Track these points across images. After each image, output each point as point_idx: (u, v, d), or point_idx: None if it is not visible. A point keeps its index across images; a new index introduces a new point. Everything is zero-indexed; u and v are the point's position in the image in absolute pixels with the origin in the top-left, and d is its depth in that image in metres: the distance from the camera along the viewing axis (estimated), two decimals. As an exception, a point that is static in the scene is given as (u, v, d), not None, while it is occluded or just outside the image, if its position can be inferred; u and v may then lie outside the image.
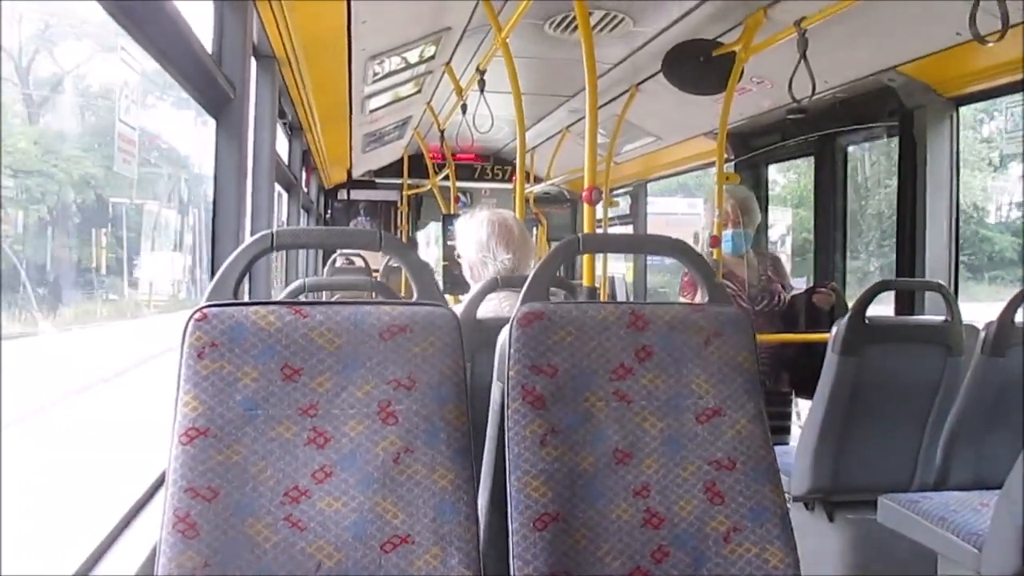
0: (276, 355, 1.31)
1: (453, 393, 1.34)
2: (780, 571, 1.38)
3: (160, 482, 1.57)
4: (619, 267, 8.34)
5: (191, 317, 1.31)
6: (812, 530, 2.90)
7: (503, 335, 1.44)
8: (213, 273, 1.69)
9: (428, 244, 10.06)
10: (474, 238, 2.53)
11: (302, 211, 6.32)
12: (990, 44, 2.45)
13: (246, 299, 2.61)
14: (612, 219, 6.77)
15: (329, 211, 9.01)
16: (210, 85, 2.26)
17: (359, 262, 5.91)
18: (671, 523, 1.38)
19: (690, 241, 3.71)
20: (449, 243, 7.01)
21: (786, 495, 2.89)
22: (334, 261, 5.88)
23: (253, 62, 3.14)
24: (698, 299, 3.25)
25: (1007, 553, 2.05)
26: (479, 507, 1.36)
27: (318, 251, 7.40)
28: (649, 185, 7.44)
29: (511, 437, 1.37)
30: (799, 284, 4.93)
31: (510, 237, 2.50)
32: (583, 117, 3.05)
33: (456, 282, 6.48)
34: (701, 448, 1.42)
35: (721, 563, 1.38)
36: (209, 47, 2.38)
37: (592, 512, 1.36)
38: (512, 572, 1.31)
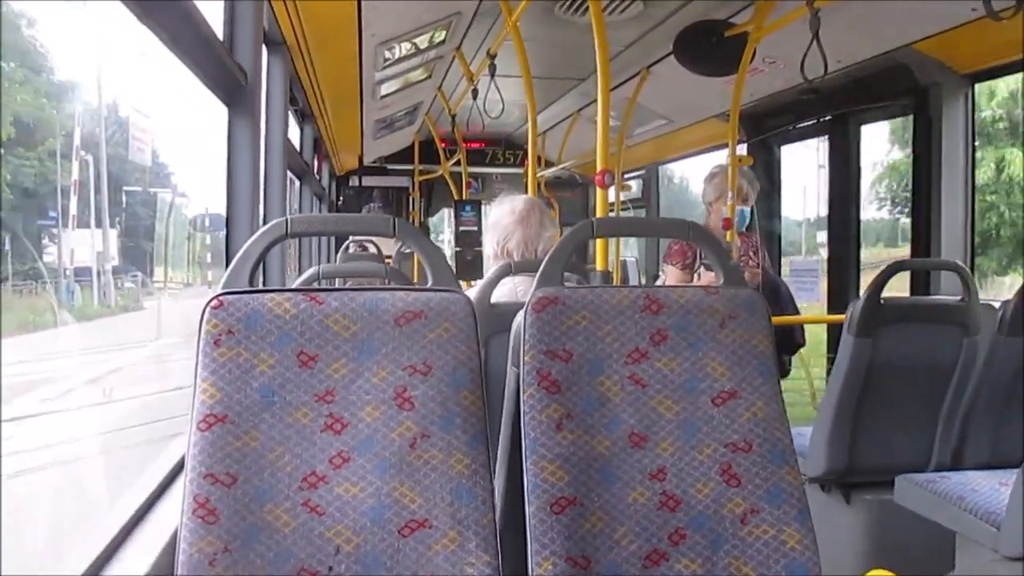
0: (292, 342, 1.32)
1: (468, 378, 1.35)
2: (798, 552, 1.38)
3: (179, 468, 1.59)
4: (631, 251, 8.33)
5: (207, 304, 1.31)
6: (829, 512, 2.90)
7: (518, 320, 1.44)
8: (228, 261, 1.69)
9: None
10: (494, 220, 2.55)
11: (314, 198, 6.33)
12: (1004, 20, 2.42)
13: (261, 287, 2.62)
14: (625, 203, 6.76)
15: (341, 198, 9.02)
16: (222, 72, 2.26)
17: (372, 248, 5.92)
18: (687, 506, 1.38)
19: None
20: (461, 228, 7.02)
21: (802, 477, 2.90)
22: (347, 248, 5.90)
23: (264, 49, 3.14)
24: (705, 279, 3.25)
25: None
26: (495, 491, 1.36)
27: (331, 238, 7.42)
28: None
29: (527, 422, 1.37)
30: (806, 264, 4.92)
31: (508, 213, 2.52)
32: (594, 100, 3.05)
33: (468, 267, 6.50)
34: (717, 431, 1.42)
35: (738, 545, 1.38)
36: (220, 34, 2.38)
37: (608, 496, 1.37)
38: (529, 555, 1.32)
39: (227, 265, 1.42)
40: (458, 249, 7.17)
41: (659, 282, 4.19)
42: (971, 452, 2.71)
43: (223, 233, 2.54)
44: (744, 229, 3.77)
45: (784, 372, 4.96)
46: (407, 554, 1.27)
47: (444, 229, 9.97)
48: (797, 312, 3.87)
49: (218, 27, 2.39)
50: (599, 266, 2.97)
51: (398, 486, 1.29)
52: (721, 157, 4.60)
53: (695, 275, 3.37)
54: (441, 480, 1.30)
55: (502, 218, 2.53)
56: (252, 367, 1.30)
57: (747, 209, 3.63)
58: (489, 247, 2.56)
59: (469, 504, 1.30)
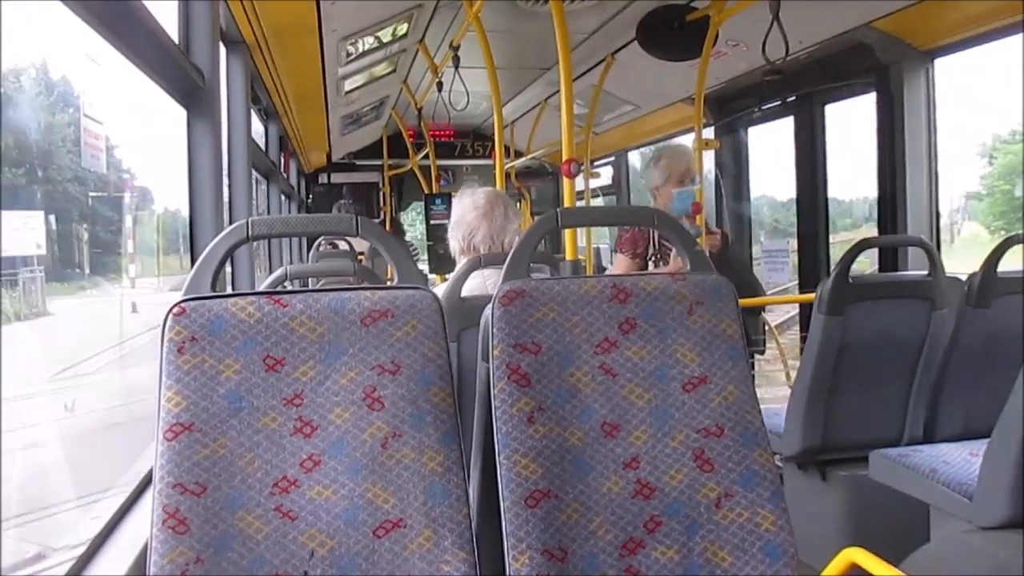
0: (258, 346, 1.30)
1: (438, 376, 1.34)
2: (772, 533, 1.39)
3: (148, 479, 1.56)
4: (605, 239, 8.34)
5: (169, 312, 1.29)
6: (805, 489, 2.93)
7: (486, 315, 1.43)
8: (192, 264, 1.67)
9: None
10: (457, 216, 2.54)
11: (283, 197, 6.28)
12: None
13: (229, 289, 2.59)
14: (595, 190, 6.77)
15: (311, 196, 8.95)
16: (179, 74, 2.23)
17: (343, 245, 5.88)
18: (662, 493, 1.39)
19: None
20: (432, 222, 6.99)
21: (777, 456, 2.92)
22: (319, 245, 5.85)
23: (223, 49, 3.09)
24: (674, 266, 3.21)
25: (997, 501, 2.07)
26: (470, 487, 1.36)
27: (301, 237, 7.35)
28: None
29: (498, 416, 1.37)
30: (776, 245, 4.95)
31: (471, 207, 2.51)
32: (560, 89, 3.04)
33: (441, 261, 6.48)
34: (688, 417, 1.42)
35: (713, 529, 1.38)
36: (175, 35, 2.34)
37: (583, 486, 1.37)
38: (506, 550, 1.32)
39: (191, 268, 1.40)
40: (430, 243, 7.15)
41: (608, 272, 4.16)
42: (943, 424, 2.75)
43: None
44: (682, 212, 3.72)
45: (759, 350, 4.99)
46: (382, 555, 1.26)
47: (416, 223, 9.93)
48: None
49: (172, 29, 2.35)
50: (568, 255, 2.97)
51: (371, 487, 1.28)
52: (689, 140, 4.61)
53: (648, 264, 3.27)
54: (414, 479, 1.29)
55: (465, 213, 2.52)
56: (218, 373, 1.28)
57: (694, 189, 3.51)
58: (455, 242, 2.56)
59: (443, 502, 1.29)
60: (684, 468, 1.40)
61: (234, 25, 3.20)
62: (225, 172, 2.67)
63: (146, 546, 1.24)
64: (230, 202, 3.23)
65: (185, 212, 2.48)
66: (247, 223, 1.39)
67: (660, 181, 3.46)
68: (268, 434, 1.28)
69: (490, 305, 1.42)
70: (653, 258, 3.23)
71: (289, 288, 2.55)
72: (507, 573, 1.30)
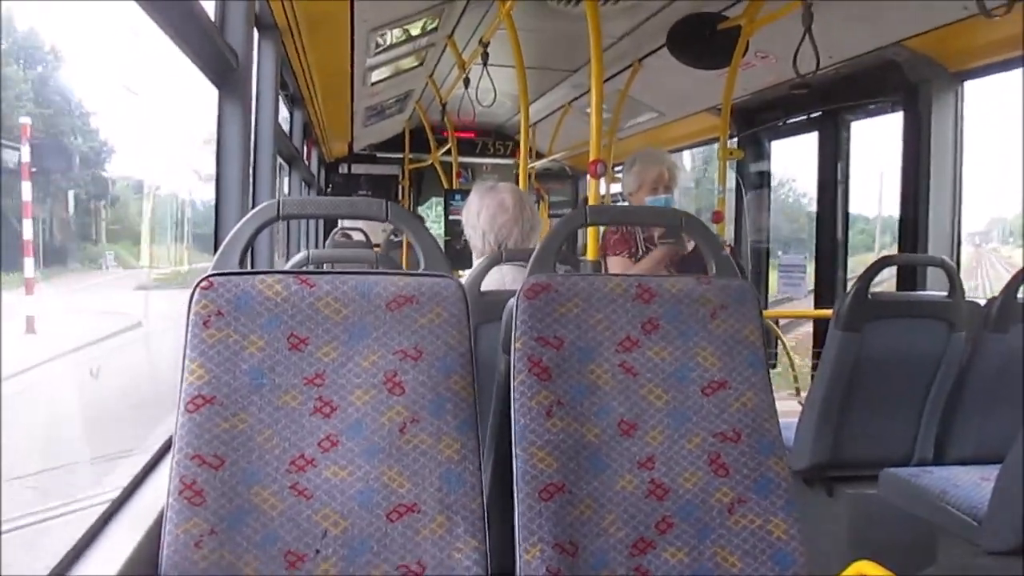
0: (282, 324, 1.31)
1: (459, 364, 1.35)
2: (784, 542, 1.39)
3: (167, 448, 1.57)
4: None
5: (197, 285, 1.31)
6: (812, 505, 2.92)
7: (509, 306, 1.44)
8: (217, 243, 1.68)
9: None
10: (470, 211, 2.52)
11: (303, 184, 6.30)
12: (996, 18, 2.43)
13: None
14: (614, 195, 6.77)
15: (330, 185, 8.98)
16: (213, 54, 2.24)
17: (358, 236, 5.90)
18: (675, 494, 1.39)
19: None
20: (451, 217, 7.00)
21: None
22: (335, 236, 5.87)
23: (255, 32, 3.11)
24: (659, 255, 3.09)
25: (1007, 527, 2.06)
26: (484, 477, 1.36)
27: (319, 226, 7.36)
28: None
29: (517, 408, 1.37)
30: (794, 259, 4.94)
31: (499, 210, 2.48)
32: (586, 92, 3.05)
33: (458, 257, 6.49)
34: (706, 420, 1.42)
35: (724, 534, 1.38)
36: (212, 15, 2.36)
37: (597, 483, 1.37)
38: (517, 542, 1.32)
39: (215, 248, 1.41)
40: (448, 239, 7.16)
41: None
42: (954, 447, 2.73)
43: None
44: None
45: (770, 363, 4.97)
46: (395, 538, 1.27)
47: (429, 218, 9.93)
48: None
49: (210, 9, 2.37)
50: (589, 256, 2.97)
51: (387, 470, 1.29)
52: (713, 150, 4.60)
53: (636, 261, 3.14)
54: (430, 465, 1.30)
55: (496, 215, 2.47)
56: (241, 349, 1.29)
57: (671, 197, 3.36)
58: (477, 239, 2.51)
59: (458, 489, 1.30)
60: (699, 471, 1.40)
61: (268, 9, 3.21)
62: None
63: (161, 514, 1.25)
64: (254, 185, 3.25)
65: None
66: (278, 202, 1.40)
67: (633, 187, 3.27)
68: (288, 412, 1.29)
69: (514, 298, 1.43)
70: (641, 258, 3.15)
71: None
72: (517, 564, 1.31)
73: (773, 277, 5.42)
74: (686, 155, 7.46)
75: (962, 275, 2.93)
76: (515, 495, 1.34)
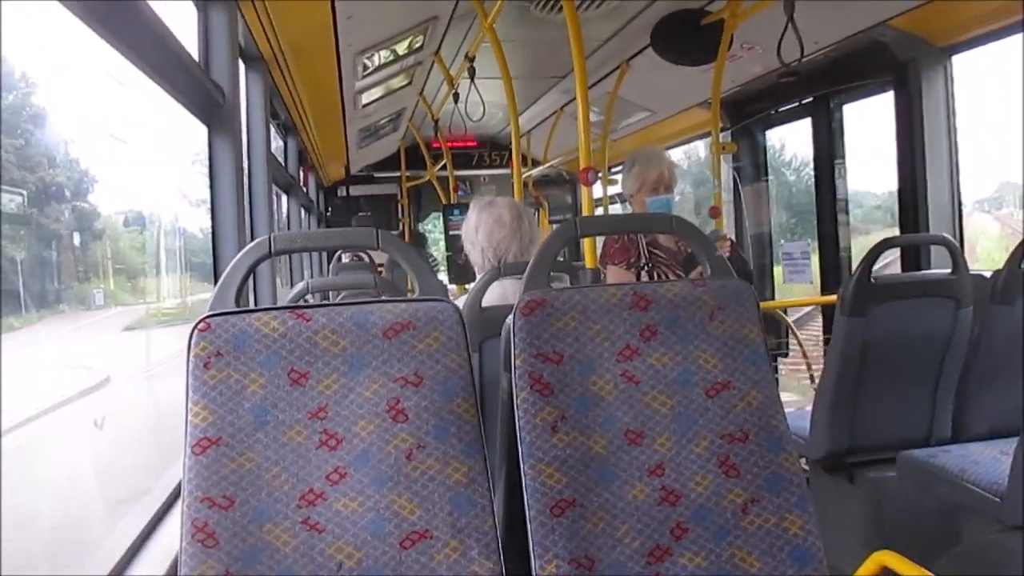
0: (282, 360, 1.31)
1: (461, 387, 1.35)
2: (800, 538, 1.38)
3: (177, 492, 1.58)
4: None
5: (195, 327, 1.31)
6: (833, 492, 2.91)
7: (507, 324, 1.44)
8: (217, 276, 1.68)
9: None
10: (468, 227, 2.53)
11: (302, 211, 6.33)
12: None
13: (252, 303, 2.61)
14: (614, 197, 6.77)
15: (330, 208, 9.01)
16: (199, 92, 2.26)
17: (364, 257, 5.92)
18: (688, 499, 1.38)
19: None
20: (451, 233, 7.02)
21: (804, 460, 2.90)
22: (339, 258, 5.89)
23: (242, 65, 3.13)
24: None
25: None
26: (495, 498, 1.36)
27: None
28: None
29: (522, 426, 1.37)
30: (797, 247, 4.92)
31: (496, 224, 2.48)
32: (576, 97, 3.04)
33: (461, 271, 6.50)
34: (712, 422, 1.42)
35: (741, 535, 1.38)
36: (195, 53, 2.37)
37: (608, 495, 1.37)
38: (532, 560, 1.32)
39: (215, 281, 1.41)
40: (449, 254, 7.17)
41: None
42: (971, 423, 2.72)
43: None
44: None
45: (781, 353, 4.95)
46: (410, 566, 1.27)
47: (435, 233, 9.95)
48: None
49: (192, 47, 2.39)
50: (587, 264, 2.97)
51: (396, 499, 1.29)
52: (706, 144, 4.60)
53: (642, 274, 3.05)
54: (439, 490, 1.30)
55: (493, 230, 2.47)
56: (243, 388, 1.29)
57: (672, 197, 3.31)
58: (477, 255, 2.51)
59: (469, 512, 1.29)
60: (709, 474, 1.40)
61: (252, 42, 3.24)
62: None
63: (176, 559, 1.25)
64: (251, 217, 3.27)
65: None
66: (269, 239, 1.41)
67: (633, 189, 3.20)
68: (294, 448, 1.29)
69: (511, 316, 1.43)
70: (646, 267, 3.08)
71: (311, 301, 2.56)
72: None
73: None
74: (679, 152, 7.44)
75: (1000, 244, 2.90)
76: (527, 513, 1.34)
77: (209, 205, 2.50)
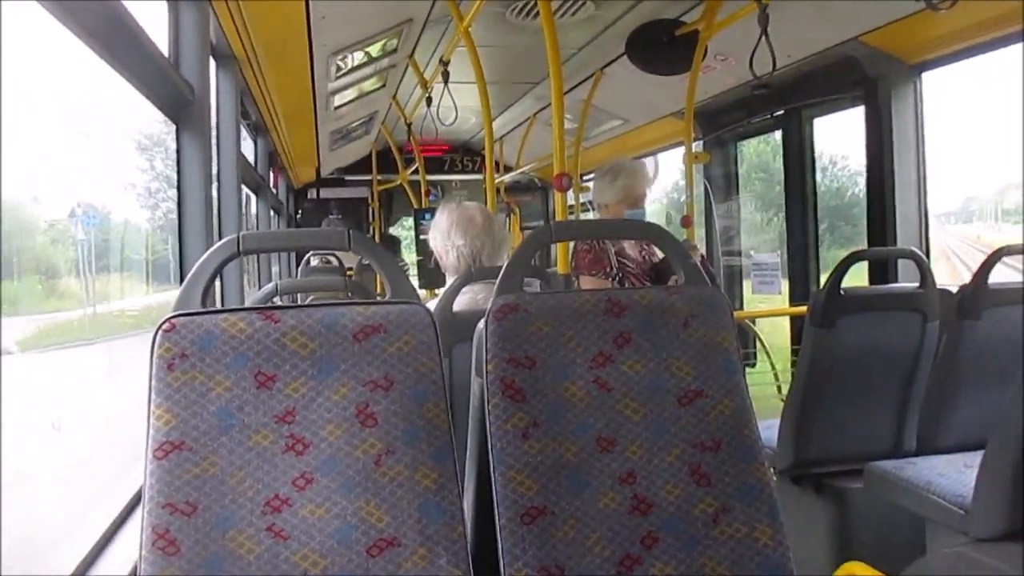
0: (248, 363, 1.28)
1: (431, 391, 1.32)
2: (770, 548, 1.38)
3: (138, 499, 1.54)
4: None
5: (159, 328, 1.27)
6: (800, 503, 2.92)
7: (479, 329, 1.42)
8: (182, 280, 1.65)
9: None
10: (439, 230, 2.50)
11: (272, 212, 6.26)
12: (943, 11, 2.48)
13: (218, 305, 2.56)
14: (585, 204, 6.78)
15: (300, 211, 8.94)
16: (168, 88, 2.22)
17: (334, 260, 5.86)
18: (659, 508, 1.37)
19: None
20: (422, 237, 6.99)
21: (771, 470, 2.91)
22: (308, 260, 5.83)
23: (212, 63, 3.08)
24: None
25: (993, 512, 2.06)
26: (465, 504, 1.34)
27: (290, 252, 7.32)
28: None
29: (493, 432, 1.35)
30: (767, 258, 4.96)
31: (469, 225, 2.45)
32: (550, 103, 3.04)
33: (431, 277, 6.47)
34: (684, 431, 1.41)
35: (711, 545, 1.37)
36: (165, 49, 2.33)
37: (579, 503, 1.35)
38: (502, 568, 1.30)
39: (181, 281, 1.37)
40: (420, 258, 7.13)
41: None
42: (937, 436, 2.74)
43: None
44: None
45: (749, 363, 4.97)
46: (377, 574, 1.24)
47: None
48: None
49: (163, 43, 2.34)
50: (560, 269, 2.96)
51: (364, 505, 1.26)
52: (679, 154, 4.61)
53: (613, 284, 3.03)
54: (408, 496, 1.27)
55: (467, 228, 2.44)
56: (208, 390, 1.26)
57: (642, 211, 3.22)
58: (451, 255, 2.47)
59: (438, 519, 1.27)
60: (680, 483, 1.39)
61: (224, 40, 3.19)
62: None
63: (135, 568, 1.21)
64: (219, 217, 3.21)
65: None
66: (238, 238, 1.37)
67: (613, 199, 3.18)
68: (260, 452, 1.26)
69: (483, 320, 1.41)
70: (617, 276, 3.05)
71: (279, 303, 2.52)
72: None
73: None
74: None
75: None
76: (496, 520, 1.31)
77: (176, 204, 2.46)
